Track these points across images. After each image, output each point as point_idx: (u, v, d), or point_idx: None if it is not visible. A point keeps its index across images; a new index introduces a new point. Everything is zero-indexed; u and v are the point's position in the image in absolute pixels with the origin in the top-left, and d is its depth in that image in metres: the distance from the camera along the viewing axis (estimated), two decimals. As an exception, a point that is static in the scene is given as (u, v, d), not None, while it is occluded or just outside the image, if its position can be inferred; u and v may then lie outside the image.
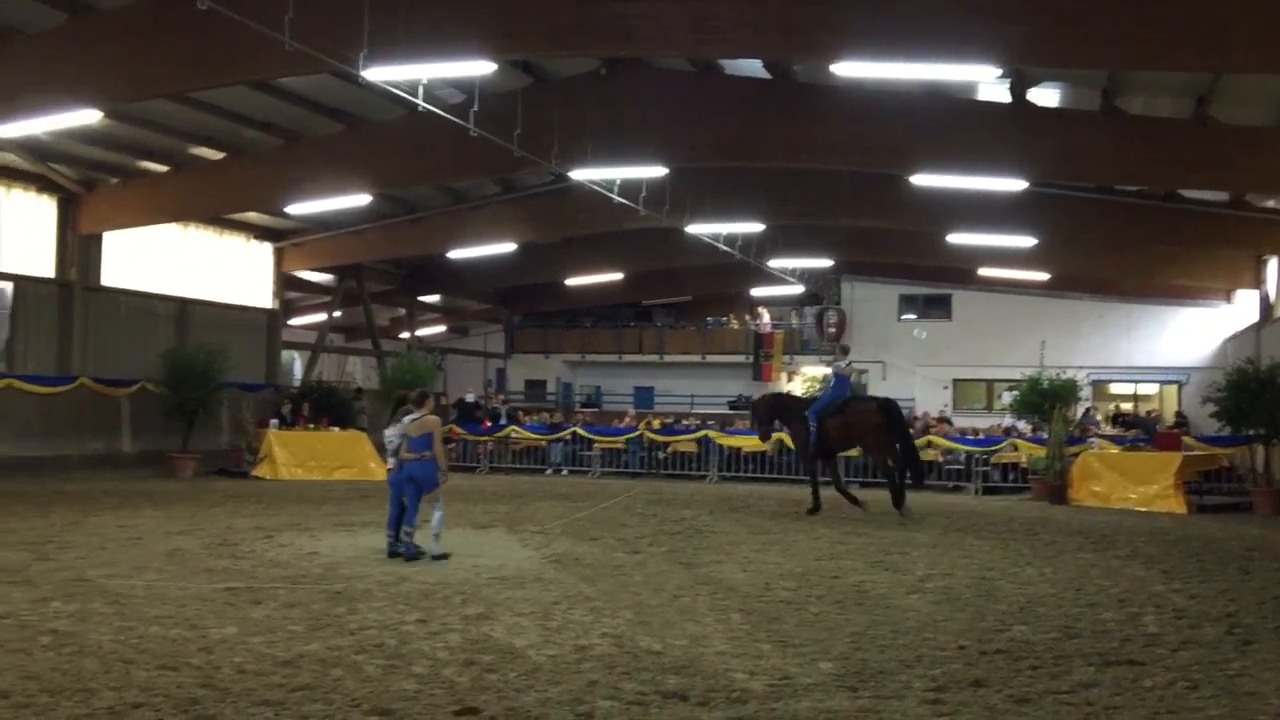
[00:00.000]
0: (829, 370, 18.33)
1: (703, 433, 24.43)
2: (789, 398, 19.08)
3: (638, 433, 24.70)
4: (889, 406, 16.65)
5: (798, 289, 32.96)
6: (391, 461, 11.43)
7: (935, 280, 33.86)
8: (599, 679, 6.55)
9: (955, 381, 34.57)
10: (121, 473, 21.33)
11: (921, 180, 19.40)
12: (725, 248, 24.80)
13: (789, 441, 19.63)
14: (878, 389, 34.61)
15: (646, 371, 38.80)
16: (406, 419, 11.24)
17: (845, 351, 18.21)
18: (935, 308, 35.33)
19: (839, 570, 11.03)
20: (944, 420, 26.05)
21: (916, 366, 34.61)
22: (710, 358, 37.76)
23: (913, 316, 35.68)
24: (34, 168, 20.92)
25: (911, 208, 22.37)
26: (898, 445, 16.28)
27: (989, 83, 16.35)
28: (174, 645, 7.10)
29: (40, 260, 22.06)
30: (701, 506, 17.35)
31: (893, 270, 33.82)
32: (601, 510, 16.44)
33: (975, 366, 33.82)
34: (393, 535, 11.22)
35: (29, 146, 19.56)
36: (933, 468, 22.14)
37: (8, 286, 21.37)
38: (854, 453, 19.95)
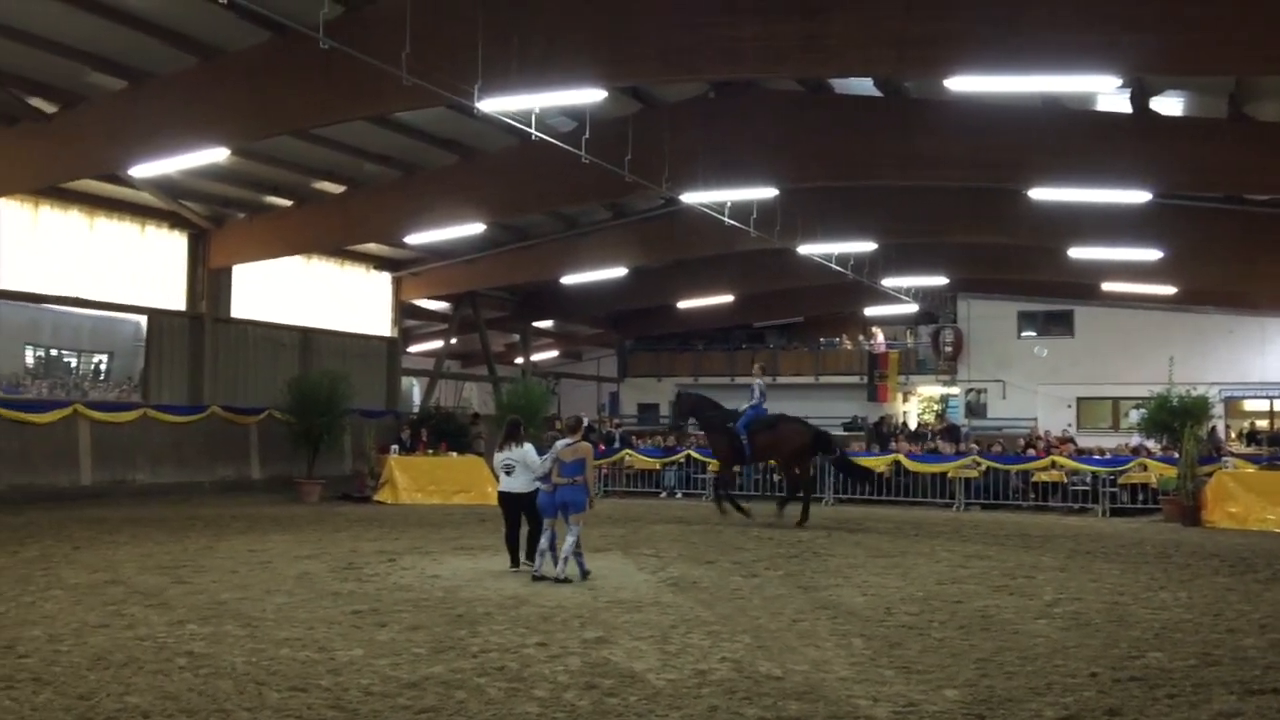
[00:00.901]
0: (758, 384, 19.03)
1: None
2: (713, 405, 19.38)
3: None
4: (818, 432, 18.74)
5: (912, 308, 32.51)
6: (544, 485, 11.60)
7: (1056, 296, 33.06)
8: (720, 704, 6.50)
9: (1079, 400, 33.64)
10: (250, 498, 22.00)
11: (1040, 194, 18.98)
12: (837, 267, 24.59)
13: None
14: (997, 409, 33.95)
15: (759, 394, 38.55)
16: (560, 444, 11.52)
17: (764, 370, 19.37)
18: (1056, 324, 34.49)
19: (961, 594, 10.78)
20: (1068, 440, 25.32)
21: (1038, 385, 33.81)
22: (824, 379, 37.44)
23: (1033, 334, 34.88)
24: (167, 205, 21.85)
25: (1030, 222, 21.89)
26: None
27: (1109, 93, 15.94)
28: (304, 667, 7.28)
29: (173, 294, 23.02)
30: (818, 529, 17.15)
31: (1011, 287, 33.13)
32: (718, 533, 16.38)
33: (1100, 384, 32.90)
34: (543, 555, 11.56)
35: (162, 185, 20.44)
36: (1057, 489, 21.55)
37: (143, 320, 22.32)
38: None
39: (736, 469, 18.70)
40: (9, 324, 19.91)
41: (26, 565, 11.64)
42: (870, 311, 35.37)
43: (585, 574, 11.29)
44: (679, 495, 24.61)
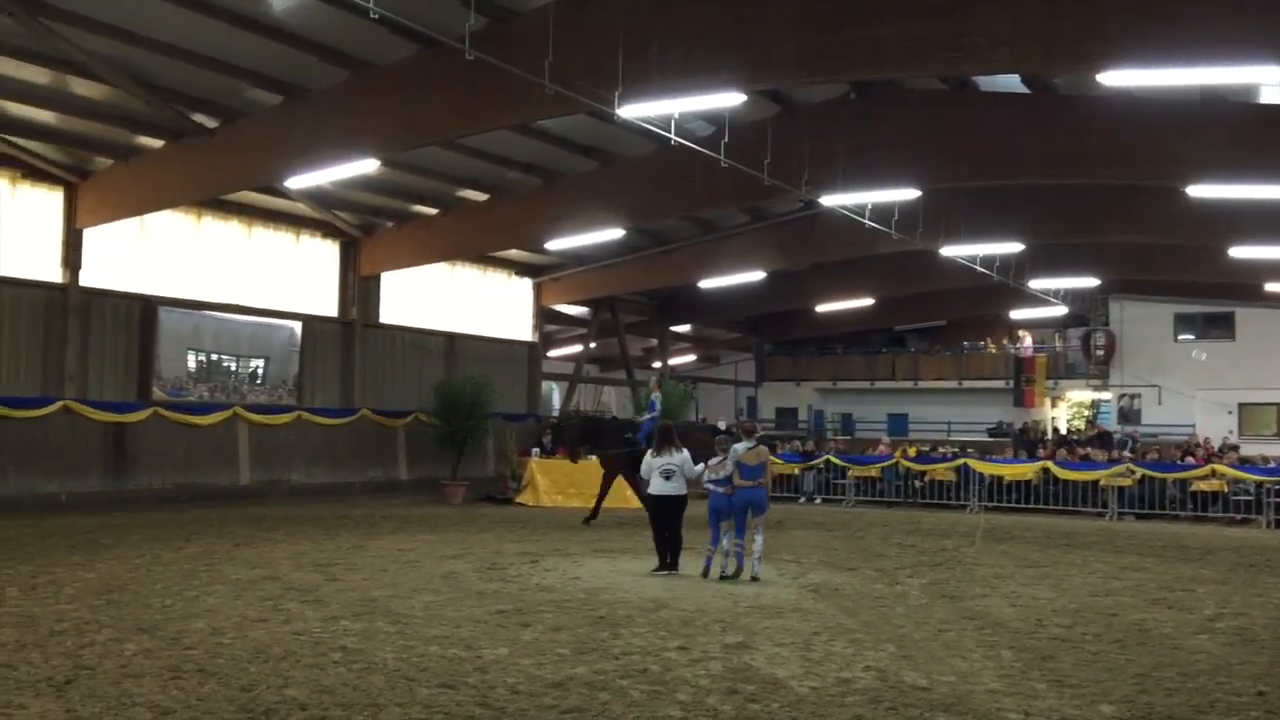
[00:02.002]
0: (655, 396, 18.80)
1: (961, 460, 23.60)
2: (598, 421, 19.46)
3: (893, 460, 24.15)
4: (716, 430, 18.94)
5: (1061, 310, 31.49)
6: (718, 488, 11.81)
7: (1216, 297, 31.60)
8: (864, 714, 6.41)
9: (1241, 406, 32.09)
10: (398, 499, 22.63)
11: (1199, 191, 18.15)
12: (982, 269, 24.01)
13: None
14: (1152, 414, 32.65)
15: (900, 398, 38.00)
16: (740, 447, 11.83)
17: (660, 381, 19.00)
18: (1216, 327, 32.99)
19: (1116, 607, 10.39)
20: (1230, 447, 24.18)
21: (1196, 390, 32.39)
22: (967, 383, 36.63)
23: (1190, 337, 33.43)
24: (320, 215, 22.68)
25: (1188, 221, 20.98)
26: None
27: (1272, 85, 15.18)
28: (452, 664, 7.44)
29: (325, 300, 23.91)
30: (963, 537, 16.76)
31: (1167, 288, 31.79)
32: (859, 539, 16.17)
33: (1264, 389, 31.32)
34: (710, 553, 11.76)
35: (316, 195, 21.22)
36: (1217, 499, 20.59)
37: (297, 325, 23.20)
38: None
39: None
40: (173, 330, 20.93)
41: (190, 561, 12.20)
42: (1016, 314, 34.38)
43: (755, 577, 11.55)
44: (818, 500, 24.35)
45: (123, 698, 6.38)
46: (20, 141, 17.88)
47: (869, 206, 18.88)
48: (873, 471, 24.24)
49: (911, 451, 25.43)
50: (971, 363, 37.04)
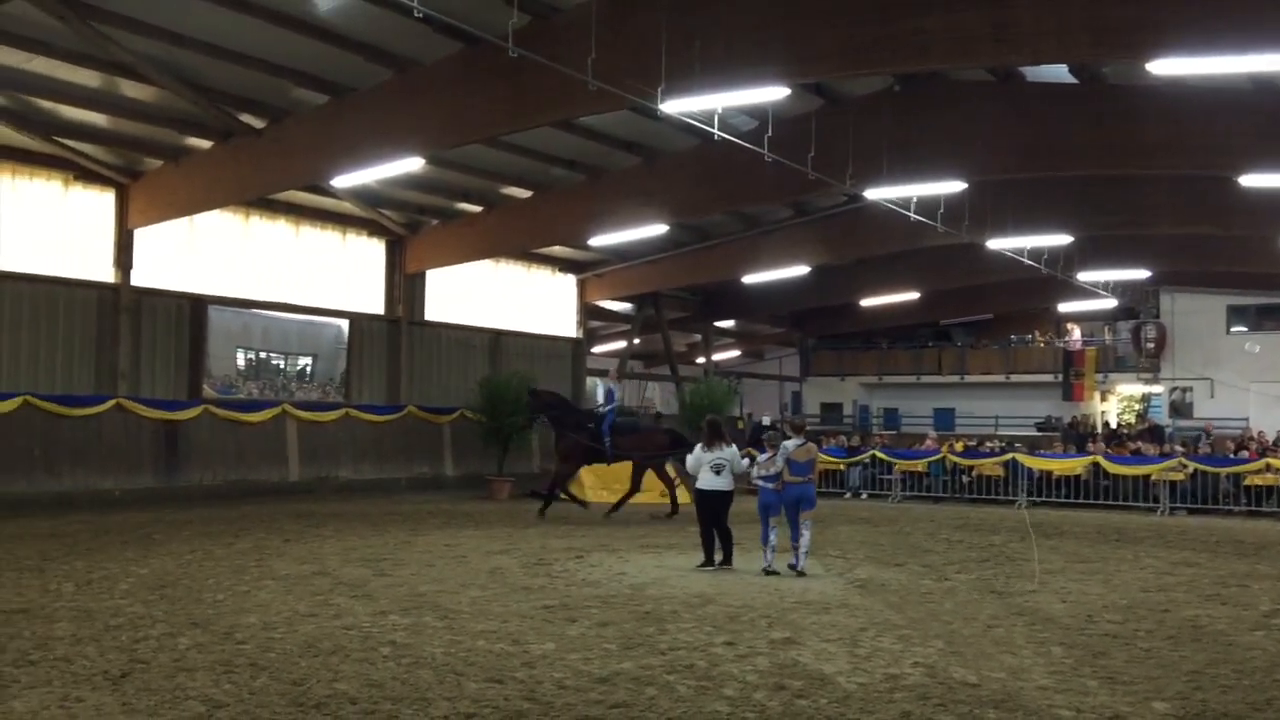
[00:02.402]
0: (610, 387, 19.44)
1: (1009, 455, 23.39)
2: (569, 404, 19.76)
3: (939, 455, 23.98)
4: (673, 432, 19.47)
5: (1111, 303, 31.07)
6: (767, 484, 11.96)
7: (1269, 289, 30.99)
8: (913, 710, 6.37)
9: (1298, 399, 31.52)
10: (444, 494, 22.78)
11: (1251, 181, 17.84)
12: (1030, 262, 23.74)
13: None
14: (1204, 408, 32.14)
15: (947, 392, 37.69)
16: (790, 444, 11.98)
17: (619, 372, 19.35)
18: (1271, 318, 32.37)
19: (1169, 603, 10.25)
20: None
21: (1250, 383, 31.81)
22: (1015, 377, 36.25)
23: (1244, 329, 32.83)
24: (366, 214, 22.87)
25: (1242, 211, 20.63)
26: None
27: (1329, 71, 14.87)
28: (499, 659, 7.48)
29: (372, 298, 24.11)
30: (1011, 532, 16.60)
31: (1220, 279, 31.21)
32: (905, 535, 16.07)
33: (1321, 382, 30.71)
34: (774, 550, 11.89)
35: (362, 194, 21.40)
36: (1271, 493, 20.25)
37: (344, 323, 23.42)
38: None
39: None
40: (223, 328, 21.19)
41: (241, 556, 12.35)
42: (1065, 307, 33.96)
43: (801, 571, 11.67)
44: (864, 495, 24.23)
45: (176, 691, 6.47)
46: (72, 144, 18.17)
47: (914, 200, 18.73)
48: (919, 466, 24.09)
49: (959, 446, 25.23)
50: (1019, 357, 36.66)
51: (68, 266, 18.95)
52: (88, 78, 15.94)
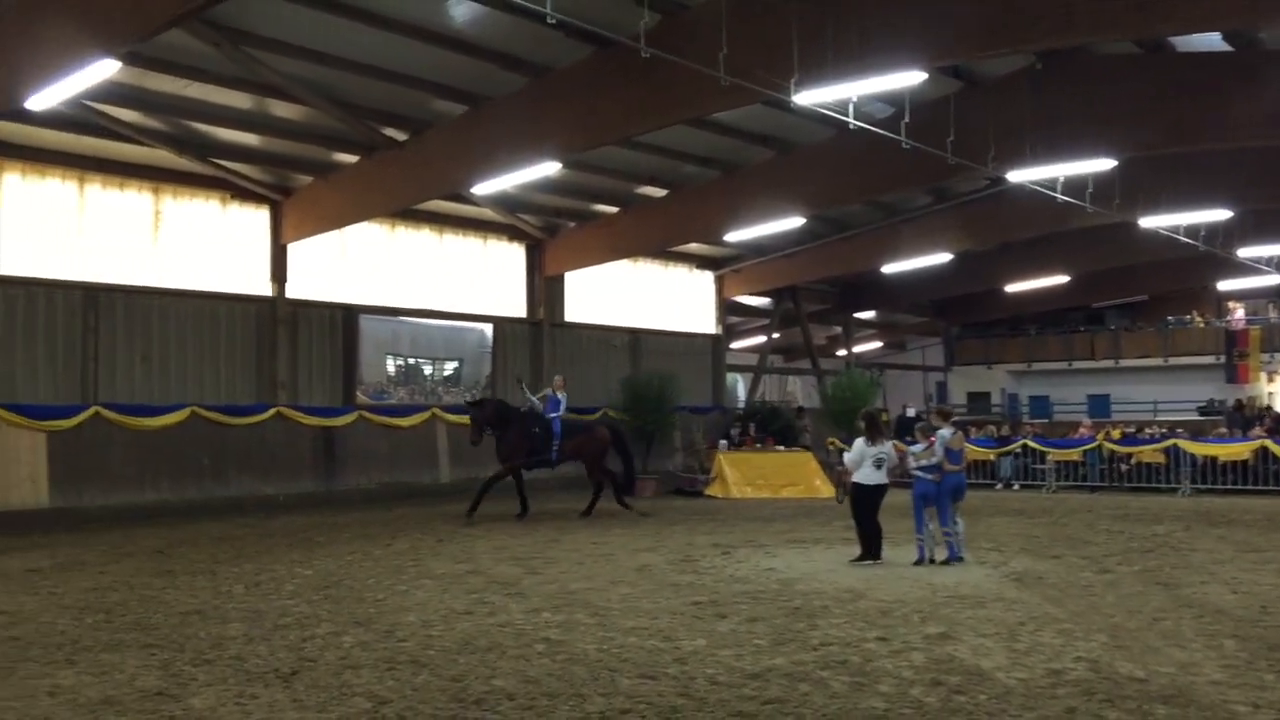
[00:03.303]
0: (557, 396, 18.36)
1: (1170, 441, 22.46)
2: (515, 410, 18.47)
3: (1095, 443, 23.18)
4: (616, 429, 19.26)
5: (1275, 279, 29.50)
6: (926, 475, 11.99)
7: None
8: (1077, 706, 6.18)
9: None
10: (590, 493, 22.99)
11: None
12: (1186, 239, 22.74)
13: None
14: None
15: (1100, 378, 36.38)
16: (946, 433, 12.10)
17: (563, 381, 18.69)
18: None
19: (1352, 594, 9.72)
20: None
21: None
22: (1173, 360, 34.75)
23: None
24: (505, 219, 23.30)
25: None
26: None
27: None
28: (651, 655, 7.54)
29: (513, 302, 24.56)
30: (1175, 521, 15.96)
31: (1395, 249, 29.34)
32: (1062, 526, 15.59)
33: None
34: (922, 542, 11.94)
35: (500, 200, 21.80)
36: None
37: (488, 328, 23.91)
38: None
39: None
40: (373, 336, 21.85)
41: (398, 557, 12.74)
42: (1225, 285, 32.37)
43: (961, 558, 11.94)
44: (1016, 486, 23.60)
45: (343, 688, 6.71)
46: (228, 164, 19.00)
47: (1060, 180, 18.11)
48: (1074, 455, 23.35)
49: (1115, 433, 24.36)
50: (1178, 338, 35.14)
51: (228, 282, 19.84)
52: (240, 100, 16.65)
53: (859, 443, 12.12)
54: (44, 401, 17.32)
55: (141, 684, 6.82)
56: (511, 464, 17.77)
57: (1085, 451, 23.15)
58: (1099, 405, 35.20)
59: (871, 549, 11.94)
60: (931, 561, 11.71)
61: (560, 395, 18.33)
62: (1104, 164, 17.73)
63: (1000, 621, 8.58)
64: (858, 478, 12.09)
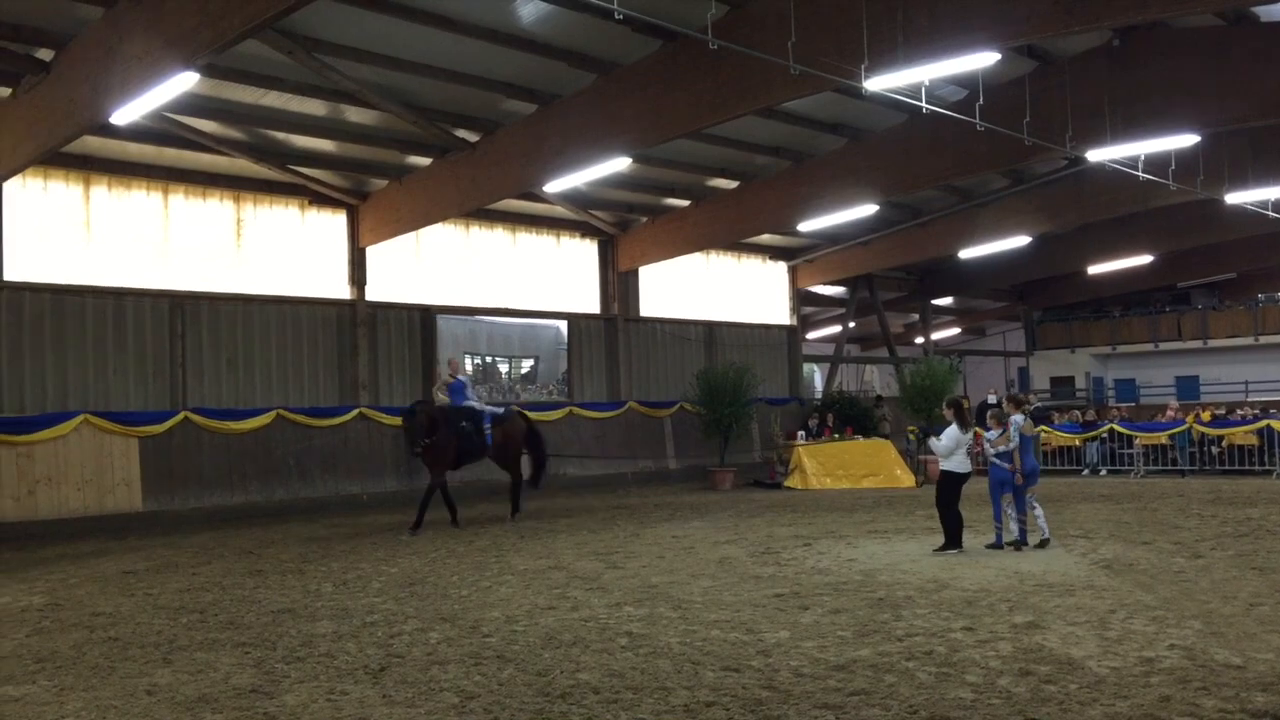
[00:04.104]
0: (461, 380, 16.98)
1: (1263, 423, 21.85)
2: (446, 412, 16.30)
3: (1184, 426, 22.64)
4: (525, 417, 17.96)
5: (1372, 251, 28.57)
6: (1002, 462, 12.06)
7: None
8: (1172, 694, 6.05)
9: None
10: (668, 487, 23.10)
11: None
12: (1275, 214, 22.08)
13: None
14: None
15: (1188, 359, 35.54)
16: (1019, 419, 12.12)
17: (458, 363, 17.35)
18: None
19: None
20: None
21: None
22: (1264, 339, 33.85)
23: None
24: (578, 216, 23.42)
25: None
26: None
27: None
28: (734, 648, 7.53)
29: (587, 298, 24.68)
30: (1270, 505, 15.52)
31: None
32: (1152, 511, 15.25)
33: None
34: (1000, 528, 12.05)
35: (572, 197, 21.92)
36: None
37: (563, 324, 24.06)
38: None
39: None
40: (450, 336, 22.11)
41: (481, 553, 12.88)
42: (1318, 259, 31.46)
43: (1025, 541, 11.97)
44: (1102, 471, 23.14)
45: (431, 683, 6.80)
46: (305, 171, 19.35)
47: (1141, 158, 17.71)
48: (1162, 439, 22.83)
49: (1205, 415, 23.76)
50: (1269, 316, 34.16)
51: (308, 286, 20.22)
52: (315, 107, 16.95)
53: (953, 430, 12.00)
54: (135, 408, 17.82)
55: (235, 682, 6.98)
56: (441, 469, 16.04)
57: (1174, 435, 22.62)
58: (1188, 387, 34.40)
59: (955, 538, 11.83)
60: (1013, 544, 11.85)
61: (462, 378, 17.11)
62: (1187, 140, 17.30)
63: (1090, 609, 8.42)
64: (948, 465, 12.00)
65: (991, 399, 28.58)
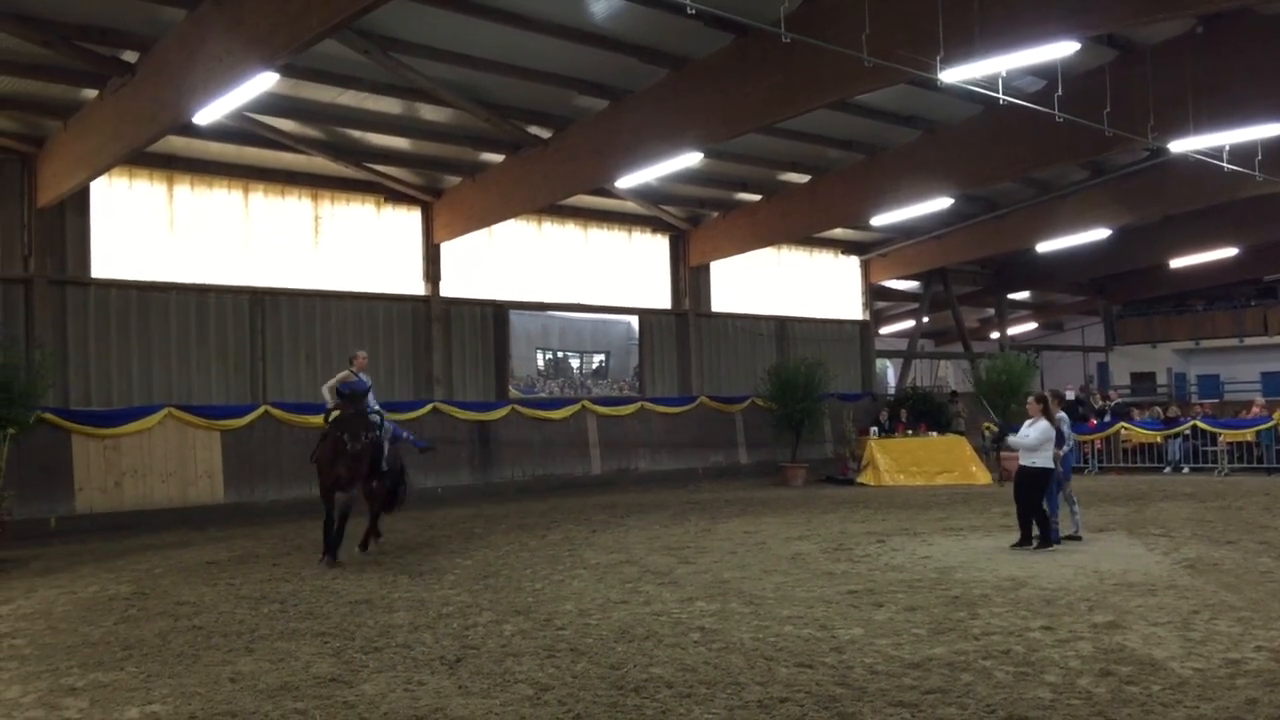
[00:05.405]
0: (358, 378, 13.01)
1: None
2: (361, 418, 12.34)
3: (1271, 423, 22.01)
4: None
5: None
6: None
7: None
8: (1259, 697, 5.91)
9: None
10: (739, 482, 23.04)
11: None
12: (1368, 205, 21.41)
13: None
14: None
15: (1275, 354, 34.58)
16: (1064, 416, 12.38)
17: (365, 359, 13.66)
18: None
19: None
20: None
21: None
22: (1355, 333, 32.82)
23: None
24: (649, 211, 23.46)
25: None
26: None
27: None
28: (807, 644, 7.50)
29: (658, 293, 24.73)
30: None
31: None
32: (1237, 510, 14.89)
33: None
34: (1057, 523, 12.10)
35: (643, 193, 21.95)
36: None
37: (634, 320, 24.11)
38: None
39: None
40: (523, 331, 22.28)
41: (554, 547, 12.97)
42: None
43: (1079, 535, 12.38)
44: (1185, 469, 22.61)
45: (505, 675, 6.88)
46: (381, 168, 19.60)
47: (1226, 148, 17.25)
48: (1248, 436, 22.23)
49: (1293, 412, 23.10)
50: (1360, 310, 33.19)
51: (384, 282, 20.50)
52: (390, 105, 17.16)
53: (1043, 424, 11.84)
54: (217, 402, 18.22)
55: (316, 670, 7.11)
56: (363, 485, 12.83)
57: (1260, 432, 22.02)
58: (1274, 383, 33.45)
59: (1032, 535, 11.69)
60: (1072, 538, 12.17)
61: (365, 378, 13.15)
62: (1274, 129, 16.82)
63: (1173, 610, 8.25)
64: (1029, 460, 11.89)
65: (1070, 395, 28.11)
